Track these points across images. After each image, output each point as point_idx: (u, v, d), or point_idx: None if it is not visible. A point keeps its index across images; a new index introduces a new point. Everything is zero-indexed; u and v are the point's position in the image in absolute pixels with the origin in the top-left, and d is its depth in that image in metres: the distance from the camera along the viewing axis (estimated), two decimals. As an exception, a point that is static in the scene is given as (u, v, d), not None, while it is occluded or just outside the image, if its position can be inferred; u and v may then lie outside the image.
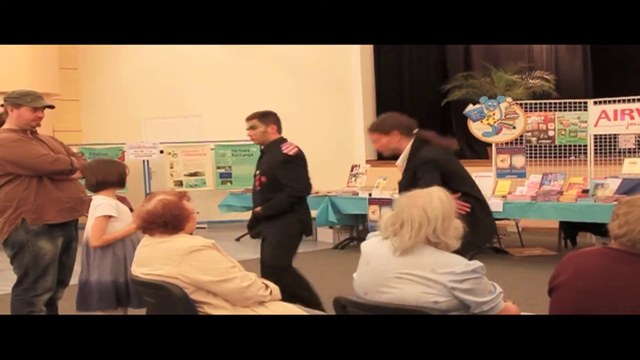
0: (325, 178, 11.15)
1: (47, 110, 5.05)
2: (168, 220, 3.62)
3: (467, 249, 4.02)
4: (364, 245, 3.28)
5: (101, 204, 4.65)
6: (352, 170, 10.82)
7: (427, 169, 4.68)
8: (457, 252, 3.07)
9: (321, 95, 13.07)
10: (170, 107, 13.29)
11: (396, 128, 4.95)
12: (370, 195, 9.63)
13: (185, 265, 3.46)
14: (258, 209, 5.67)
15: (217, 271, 3.49)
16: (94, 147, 12.70)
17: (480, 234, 4.87)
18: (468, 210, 4.55)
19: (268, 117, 5.87)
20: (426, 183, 4.22)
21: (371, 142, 5.26)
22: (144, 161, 12.55)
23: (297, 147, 5.75)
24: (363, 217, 9.98)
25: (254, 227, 5.81)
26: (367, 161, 12.28)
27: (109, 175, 4.72)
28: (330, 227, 10.74)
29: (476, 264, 3.03)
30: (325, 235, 10.92)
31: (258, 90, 13.15)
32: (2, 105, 5.05)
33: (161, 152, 12.45)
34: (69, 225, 5.09)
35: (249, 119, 5.88)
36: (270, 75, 13.15)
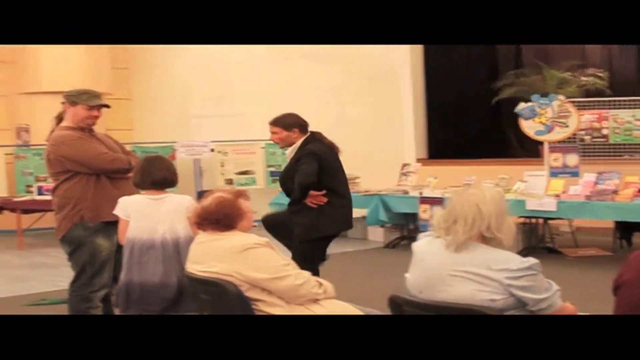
0: (376, 177, 11.14)
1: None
2: (220, 217, 3.64)
3: (313, 233, 5.66)
4: (415, 245, 3.26)
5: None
6: (402, 168, 10.76)
7: (309, 159, 5.62)
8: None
9: (370, 94, 13.03)
10: (220, 106, 13.37)
11: (296, 126, 5.77)
12: (421, 194, 9.58)
13: (240, 263, 3.48)
14: None
15: (270, 269, 3.50)
16: (146, 145, 12.83)
17: (334, 221, 5.81)
18: (323, 202, 5.67)
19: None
20: (305, 169, 5.55)
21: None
22: (194, 160, 12.64)
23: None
24: (414, 216, 9.92)
25: None
26: (418, 160, 12.22)
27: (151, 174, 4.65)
28: (381, 226, 10.70)
29: (531, 260, 3.00)
30: (376, 234, 10.89)
31: (306, 89, 13.16)
32: (62, 103, 5.16)
33: (211, 150, 12.54)
34: None
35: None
36: (318, 73, 13.14)
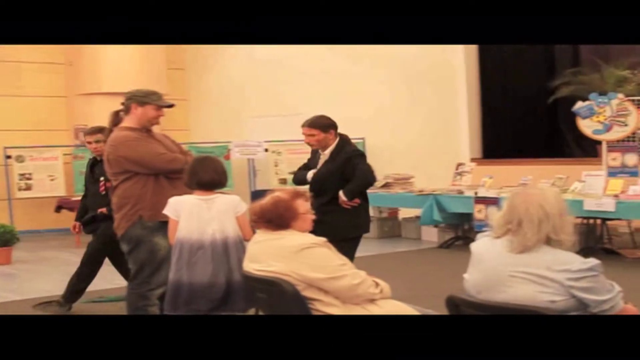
0: (430, 176, 11.09)
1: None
2: (273, 217, 3.65)
3: (354, 231, 5.81)
4: (474, 246, 3.24)
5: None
6: (457, 168, 10.69)
7: (362, 160, 5.86)
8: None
9: (423, 93, 12.94)
10: (274, 106, 13.42)
11: (333, 128, 5.82)
12: (476, 193, 9.50)
13: (296, 263, 3.48)
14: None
15: (327, 269, 3.50)
16: (201, 145, 12.95)
17: (366, 222, 6.04)
18: (357, 204, 5.82)
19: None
20: (368, 169, 5.83)
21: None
22: (249, 159, 12.72)
23: None
24: (468, 216, 9.86)
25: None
26: (472, 159, 12.11)
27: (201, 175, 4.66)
28: (435, 226, 10.65)
29: (593, 261, 2.96)
30: (430, 234, 10.84)
31: (359, 89, 13.14)
32: (122, 104, 5.22)
33: (265, 150, 12.60)
34: None
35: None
36: (371, 73, 13.11)
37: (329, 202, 5.68)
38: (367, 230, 6.02)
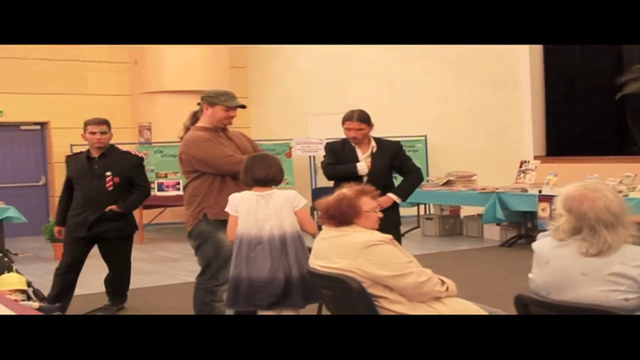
0: (493, 174, 10.98)
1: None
2: (336, 214, 3.66)
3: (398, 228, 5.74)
4: (537, 246, 3.18)
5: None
6: (520, 166, 10.54)
7: (405, 153, 5.99)
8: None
9: (487, 91, 12.84)
10: (335, 104, 13.40)
11: (371, 123, 5.87)
12: (540, 191, 9.36)
13: (362, 260, 3.48)
14: None
15: (393, 266, 3.48)
16: (262, 143, 12.99)
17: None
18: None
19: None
20: (416, 167, 5.97)
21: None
22: (310, 157, 12.75)
23: None
24: (532, 215, 9.73)
25: None
26: (536, 157, 11.95)
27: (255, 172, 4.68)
28: (497, 224, 10.54)
29: None
30: (492, 233, 10.73)
31: (423, 87, 13.09)
32: (198, 104, 5.33)
33: (327, 148, 12.60)
34: None
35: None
36: (435, 72, 13.06)
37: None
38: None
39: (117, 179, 6.24)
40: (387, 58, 13.14)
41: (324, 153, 5.96)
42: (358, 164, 5.70)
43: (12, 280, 4.10)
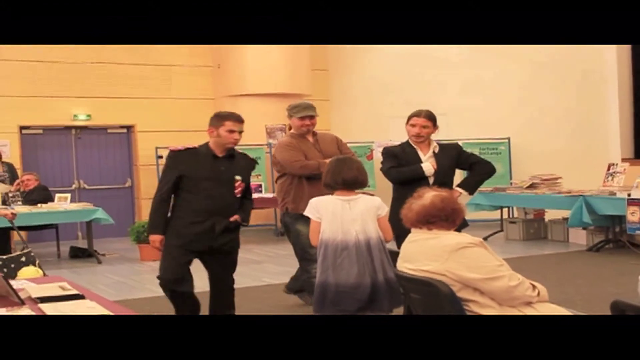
0: (579, 177, 10.75)
1: None
2: (448, 213, 3.62)
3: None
4: None
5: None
6: (608, 169, 10.29)
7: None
8: None
9: (571, 92, 12.61)
10: (417, 106, 13.29)
11: (436, 124, 5.83)
12: (629, 195, 9.11)
13: (453, 262, 3.44)
14: None
15: (484, 269, 3.43)
16: (343, 145, 13.03)
17: None
18: None
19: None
20: (483, 159, 6.03)
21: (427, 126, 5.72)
22: (391, 160, 12.70)
23: None
24: (620, 219, 9.49)
25: None
26: (624, 159, 11.65)
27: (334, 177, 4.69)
28: (583, 229, 10.31)
29: None
30: (578, 237, 10.50)
31: (507, 88, 12.92)
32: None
33: (408, 150, 12.54)
34: None
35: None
36: (519, 72, 12.88)
37: None
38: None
39: (243, 185, 5.41)
40: (469, 60, 13.02)
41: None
42: (423, 165, 5.63)
43: (29, 272, 4.71)
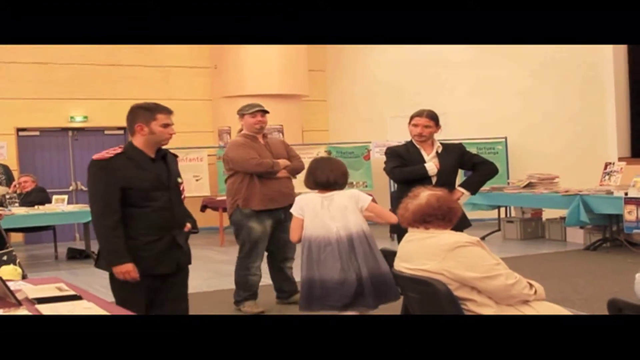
0: (576, 176, 10.75)
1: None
2: (445, 212, 3.63)
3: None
4: None
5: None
6: (605, 168, 10.29)
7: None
8: None
9: (568, 91, 12.61)
10: (415, 106, 13.31)
11: (439, 124, 5.77)
12: (626, 194, 9.12)
13: (450, 261, 3.44)
14: None
15: (481, 268, 3.44)
16: (341, 146, 13.04)
17: None
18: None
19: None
20: (485, 159, 5.91)
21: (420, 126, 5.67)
22: (388, 160, 12.70)
23: None
24: (617, 218, 9.49)
25: None
26: (620, 159, 11.66)
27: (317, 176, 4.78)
28: (581, 228, 10.31)
29: None
30: (575, 236, 10.51)
31: (506, 88, 12.92)
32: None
33: (406, 150, 12.54)
34: (277, 211, 6.43)
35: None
36: (518, 73, 12.88)
37: None
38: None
39: (183, 186, 4.55)
40: (467, 60, 13.02)
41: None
42: (426, 164, 5.60)
43: (7, 271, 4.60)
